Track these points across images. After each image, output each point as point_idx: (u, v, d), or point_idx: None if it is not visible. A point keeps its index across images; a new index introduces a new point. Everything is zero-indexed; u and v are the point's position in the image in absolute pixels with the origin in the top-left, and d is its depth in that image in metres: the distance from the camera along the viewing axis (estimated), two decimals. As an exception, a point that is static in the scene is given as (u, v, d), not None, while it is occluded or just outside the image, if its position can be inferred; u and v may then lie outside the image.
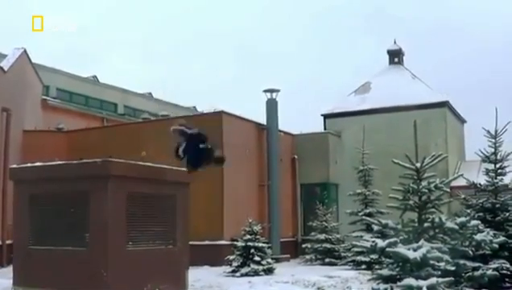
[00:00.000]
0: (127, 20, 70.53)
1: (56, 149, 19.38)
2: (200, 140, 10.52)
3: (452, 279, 8.05)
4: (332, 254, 19.13)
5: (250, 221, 16.08)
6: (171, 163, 11.06)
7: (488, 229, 10.23)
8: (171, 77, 60.34)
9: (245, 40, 69.24)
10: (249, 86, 53.58)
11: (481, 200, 12.13)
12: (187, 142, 10.58)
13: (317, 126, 25.72)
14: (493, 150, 12.29)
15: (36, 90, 22.25)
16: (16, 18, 56.09)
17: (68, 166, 10.53)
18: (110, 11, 67.15)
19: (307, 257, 19.55)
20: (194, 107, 34.12)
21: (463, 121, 27.81)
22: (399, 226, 8.95)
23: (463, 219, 9.13)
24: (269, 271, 15.43)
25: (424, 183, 8.90)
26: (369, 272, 11.64)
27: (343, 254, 18.76)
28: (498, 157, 12.26)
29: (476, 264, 10.20)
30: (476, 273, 10.01)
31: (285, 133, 22.93)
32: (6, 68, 19.12)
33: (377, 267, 10.93)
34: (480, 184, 12.39)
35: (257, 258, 15.41)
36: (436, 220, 8.65)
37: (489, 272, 10.09)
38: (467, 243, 9.50)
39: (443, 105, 24.48)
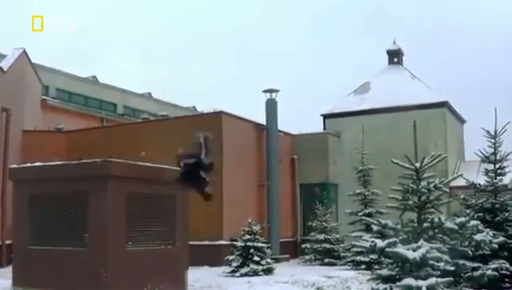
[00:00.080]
0: (127, 20, 70.59)
1: (56, 149, 19.40)
2: (198, 168, 10.50)
3: (452, 279, 8.05)
4: (332, 254, 19.14)
5: (250, 221, 16.08)
6: (170, 163, 11.06)
7: (487, 230, 10.22)
8: (170, 77, 60.43)
9: (245, 40, 69.31)
10: (249, 86, 53.58)
11: (480, 201, 12.13)
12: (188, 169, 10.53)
13: (317, 127, 25.76)
14: (492, 150, 12.29)
15: (36, 90, 22.25)
16: (16, 18, 56.13)
17: (67, 166, 10.54)
18: (110, 11, 67.20)
19: (307, 257, 19.55)
20: (194, 107, 34.11)
21: (462, 121, 27.82)
22: (399, 226, 8.96)
23: (462, 219, 9.14)
24: (268, 271, 15.43)
25: (424, 183, 8.91)
26: (369, 272, 11.65)
27: (342, 255, 18.76)
28: (498, 157, 12.26)
29: (476, 264, 10.20)
30: (476, 273, 10.01)
31: (284, 133, 22.94)
32: (5, 69, 19.12)
33: (376, 267, 10.92)
34: (479, 185, 12.38)
35: (256, 259, 15.42)
36: (436, 220, 8.65)
37: (489, 272, 10.09)
38: (466, 243, 9.51)
39: (443, 105, 24.48)
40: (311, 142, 23.94)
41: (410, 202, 8.98)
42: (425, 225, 8.80)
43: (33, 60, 21.60)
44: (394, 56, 28.14)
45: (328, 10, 66.26)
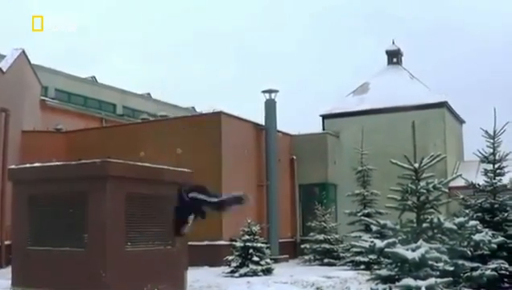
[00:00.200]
0: (127, 20, 70.70)
1: (55, 150, 19.39)
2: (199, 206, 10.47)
3: (451, 279, 8.05)
4: (331, 254, 19.14)
5: (249, 221, 16.08)
6: (169, 163, 11.06)
7: (486, 230, 10.24)
8: (170, 77, 60.54)
9: (245, 40, 69.43)
10: (249, 86, 53.68)
11: (479, 201, 12.13)
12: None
13: (316, 127, 25.80)
14: (491, 150, 12.30)
15: (35, 91, 22.25)
16: (16, 18, 56.17)
17: (66, 167, 10.53)
18: (110, 11, 67.30)
19: (306, 257, 19.57)
20: (193, 108, 34.12)
21: (461, 121, 27.84)
22: (398, 227, 8.96)
23: (461, 219, 9.13)
24: (267, 272, 15.44)
25: (423, 183, 8.90)
26: (368, 272, 11.65)
27: (342, 255, 18.77)
28: (497, 157, 12.27)
29: (475, 264, 10.20)
30: (475, 273, 10.00)
31: (283, 133, 22.95)
32: (4, 69, 19.12)
33: (375, 267, 10.91)
34: (478, 185, 12.39)
35: (255, 259, 15.42)
36: (435, 220, 8.65)
37: (488, 272, 10.09)
38: (465, 243, 9.52)
39: (442, 105, 24.51)
40: (310, 142, 23.96)
41: (410, 202, 8.98)
42: (424, 225, 8.80)
43: (32, 61, 21.62)
44: (393, 57, 28.18)
45: (327, 10, 66.46)
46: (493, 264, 10.66)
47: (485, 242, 9.70)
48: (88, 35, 63.21)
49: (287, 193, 23.05)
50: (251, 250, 15.51)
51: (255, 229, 15.97)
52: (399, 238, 8.61)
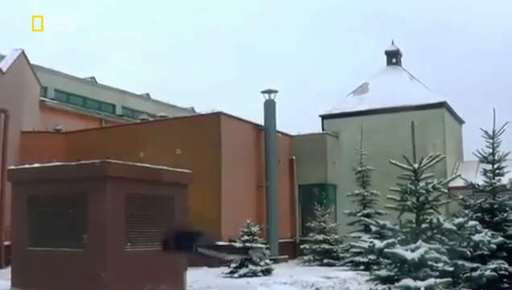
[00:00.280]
0: (127, 20, 70.67)
1: (54, 150, 19.38)
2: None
3: (450, 279, 8.05)
4: (331, 254, 19.13)
5: (248, 221, 16.06)
6: (169, 164, 11.06)
7: (486, 230, 10.22)
8: (170, 77, 60.54)
9: (245, 40, 69.40)
10: (249, 87, 53.67)
11: (479, 201, 12.12)
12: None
13: (315, 127, 25.81)
14: (491, 150, 12.28)
15: (34, 91, 22.24)
16: (16, 18, 56.19)
17: (66, 167, 10.54)
18: (110, 11, 67.25)
19: (306, 258, 19.55)
20: (192, 108, 34.12)
21: (461, 121, 27.85)
22: (397, 227, 8.96)
23: (461, 220, 9.14)
24: (267, 272, 15.42)
25: (422, 183, 8.91)
26: (368, 273, 11.64)
27: (341, 255, 18.74)
28: (496, 158, 12.25)
29: (475, 265, 10.19)
30: (475, 274, 10.00)
31: (283, 134, 22.95)
32: (4, 70, 19.12)
33: (375, 267, 10.91)
34: (478, 185, 12.38)
35: (255, 259, 15.41)
36: (434, 221, 8.66)
37: (488, 273, 10.08)
38: (465, 244, 9.50)
39: (441, 105, 24.52)
40: (309, 142, 23.96)
41: (409, 203, 8.98)
42: (423, 225, 8.80)
43: (32, 61, 21.62)
44: (393, 57, 28.19)
45: (327, 11, 66.45)
46: (492, 265, 10.64)
47: (484, 242, 9.69)
48: (88, 35, 63.24)
49: (287, 194, 23.05)
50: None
51: (255, 229, 15.95)
52: (399, 238, 8.61)
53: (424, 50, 57.08)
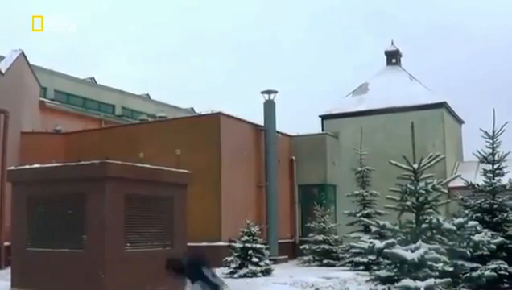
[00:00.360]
0: (127, 20, 70.69)
1: (54, 151, 19.38)
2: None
3: (450, 279, 8.05)
4: (330, 255, 19.12)
5: (248, 222, 16.06)
6: (169, 164, 11.06)
7: (486, 230, 10.24)
8: (170, 78, 60.50)
9: (244, 40, 69.43)
10: (249, 87, 53.67)
11: (478, 201, 12.13)
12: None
13: (315, 127, 25.78)
14: (490, 150, 12.30)
15: (34, 92, 22.24)
16: (16, 18, 56.16)
17: (65, 168, 10.54)
18: (110, 11, 67.28)
19: (305, 258, 19.54)
20: (192, 108, 34.10)
21: (461, 121, 27.84)
22: (397, 227, 8.96)
23: (461, 220, 9.14)
24: (267, 273, 15.42)
25: (422, 184, 8.91)
26: (367, 273, 11.63)
27: (341, 255, 18.74)
28: (496, 158, 12.27)
29: (474, 265, 10.20)
30: (474, 274, 10.00)
31: (282, 134, 22.94)
32: (3, 70, 19.12)
33: (375, 268, 10.92)
34: (478, 185, 12.39)
35: (255, 260, 15.40)
36: (434, 221, 8.65)
37: (487, 273, 10.09)
38: (465, 244, 9.51)
39: (441, 105, 24.50)
40: (309, 143, 23.95)
41: (409, 203, 8.98)
42: (423, 225, 8.80)
43: (32, 61, 21.63)
44: (392, 57, 28.17)
45: (327, 11, 66.45)
46: (492, 265, 10.65)
47: (484, 242, 9.70)
48: (88, 35, 63.24)
49: (287, 194, 23.04)
50: (250, 251, 15.49)
51: (254, 229, 15.95)
52: (398, 238, 8.61)
53: (424, 50, 57.22)
